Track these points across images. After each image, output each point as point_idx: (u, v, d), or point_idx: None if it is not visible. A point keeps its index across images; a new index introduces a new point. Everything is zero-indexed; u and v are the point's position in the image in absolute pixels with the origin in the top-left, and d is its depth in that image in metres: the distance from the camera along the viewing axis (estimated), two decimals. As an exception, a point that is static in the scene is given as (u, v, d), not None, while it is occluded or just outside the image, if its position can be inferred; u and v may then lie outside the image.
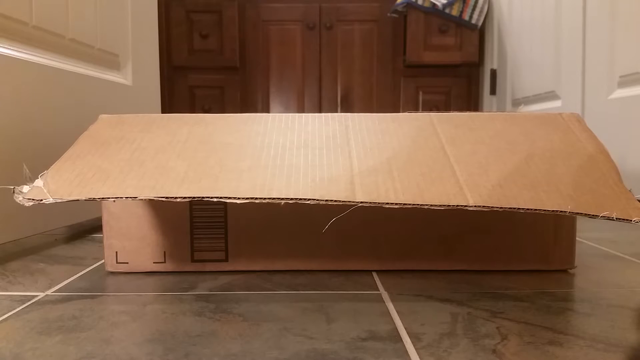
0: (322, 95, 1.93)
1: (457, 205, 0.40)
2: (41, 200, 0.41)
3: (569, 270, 0.53)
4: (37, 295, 0.45)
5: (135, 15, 0.97)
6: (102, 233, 0.52)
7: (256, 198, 0.40)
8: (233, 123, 0.52)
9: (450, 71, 1.90)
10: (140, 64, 0.99)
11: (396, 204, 0.40)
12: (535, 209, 0.40)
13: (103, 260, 0.56)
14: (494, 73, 1.78)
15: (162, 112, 1.63)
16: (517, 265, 0.52)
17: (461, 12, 1.80)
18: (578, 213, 0.40)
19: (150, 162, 0.45)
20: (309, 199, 0.40)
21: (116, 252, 0.52)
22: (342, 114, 0.55)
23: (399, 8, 1.84)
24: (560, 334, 0.36)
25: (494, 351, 0.33)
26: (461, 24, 1.82)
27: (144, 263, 0.52)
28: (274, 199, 0.40)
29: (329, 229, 0.51)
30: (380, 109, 1.92)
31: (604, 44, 1.09)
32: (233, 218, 0.52)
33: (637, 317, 0.39)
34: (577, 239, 0.57)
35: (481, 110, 1.89)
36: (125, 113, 0.75)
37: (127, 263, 0.52)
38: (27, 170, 0.44)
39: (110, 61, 0.89)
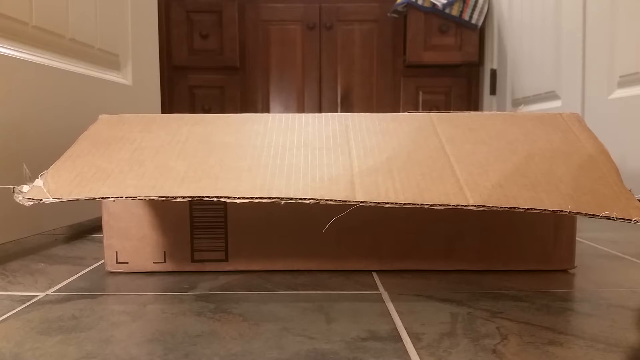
0: (322, 95, 1.93)
1: (457, 205, 0.40)
2: (41, 199, 0.41)
3: (569, 270, 0.53)
4: (37, 295, 0.45)
5: (135, 15, 0.97)
6: (102, 233, 0.52)
7: (256, 198, 0.40)
8: (233, 123, 0.52)
9: (450, 71, 1.90)
10: (140, 64, 0.99)
11: (396, 203, 0.40)
12: (536, 209, 0.40)
13: (103, 260, 0.56)
14: (494, 73, 1.78)
15: (162, 112, 1.63)
16: (517, 265, 0.52)
17: (461, 12, 1.80)
18: (578, 213, 0.40)
19: (150, 161, 0.45)
20: (309, 199, 0.40)
21: (116, 252, 0.52)
22: (342, 114, 0.55)
23: (399, 8, 1.84)
24: (560, 334, 0.36)
25: (494, 351, 0.33)
26: (461, 24, 1.82)
27: (144, 263, 0.52)
28: (274, 198, 0.40)
29: (329, 229, 0.51)
30: (380, 109, 1.92)
31: (604, 44, 1.09)
32: (233, 218, 0.52)
33: (637, 317, 0.39)
34: (577, 239, 0.57)
35: (481, 110, 1.89)
36: (125, 113, 0.75)
37: (127, 263, 0.52)
38: (27, 170, 0.44)
39: (110, 61, 0.89)
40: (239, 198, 0.40)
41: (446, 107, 1.91)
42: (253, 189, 0.41)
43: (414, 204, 0.40)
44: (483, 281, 0.49)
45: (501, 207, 0.40)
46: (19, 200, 0.41)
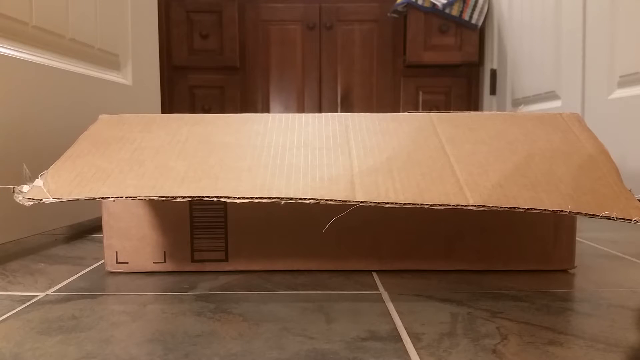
0: (322, 95, 1.93)
1: (457, 205, 0.40)
2: (41, 199, 0.41)
3: (569, 270, 0.53)
4: (37, 295, 0.45)
5: (135, 15, 0.97)
6: (102, 233, 0.52)
7: (256, 198, 0.40)
8: (233, 123, 0.52)
9: (450, 71, 1.90)
10: (140, 64, 0.99)
11: (396, 203, 0.40)
12: (536, 209, 0.40)
13: (103, 260, 0.56)
14: (494, 73, 1.78)
15: (162, 112, 1.63)
16: (517, 265, 0.52)
17: (461, 12, 1.80)
18: (578, 213, 0.40)
19: (150, 161, 0.45)
20: (309, 199, 0.40)
21: (116, 252, 0.52)
22: (342, 114, 0.55)
23: (399, 8, 1.84)
24: (560, 334, 0.36)
25: (494, 351, 0.33)
26: (461, 24, 1.82)
27: (144, 263, 0.52)
28: (274, 198, 0.40)
29: (329, 229, 0.51)
30: (380, 109, 1.92)
31: (604, 44, 1.09)
32: (233, 218, 0.52)
33: (637, 317, 0.39)
34: (577, 239, 0.57)
35: (481, 110, 1.89)
36: (125, 113, 0.75)
37: (127, 263, 0.52)
38: (27, 170, 0.44)
39: (110, 61, 0.89)
40: (239, 198, 0.40)
41: (446, 107, 1.91)
42: (253, 189, 0.41)
43: (414, 204, 0.40)
44: (483, 281, 0.49)
45: (501, 207, 0.40)
46: (19, 200, 0.41)
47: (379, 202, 0.40)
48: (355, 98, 1.94)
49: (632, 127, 0.99)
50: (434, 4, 1.80)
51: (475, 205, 0.40)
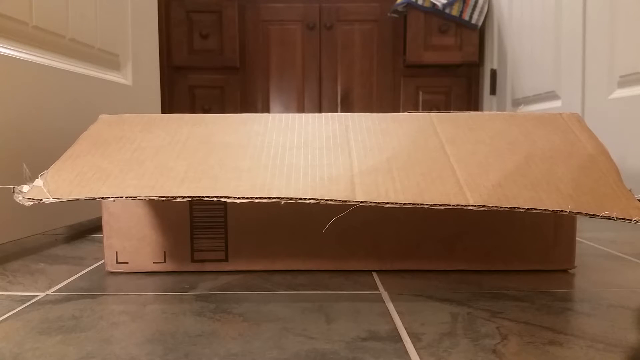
0: (322, 95, 1.93)
1: (457, 205, 0.40)
2: (41, 199, 0.41)
3: (569, 270, 0.53)
4: (37, 295, 0.45)
5: (135, 15, 0.97)
6: (102, 233, 0.52)
7: (256, 198, 0.40)
8: (233, 123, 0.52)
9: (450, 71, 1.90)
10: (140, 64, 0.99)
11: (396, 203, 0.40)
12: (536, 209, 0.40)
13: (103, 260, 0.56)
14: (494, 73, 1.78)
15: (162, 112, 1.63)
16: (517, 265, 0.52)
17: (461, 12, 1.80)
18: (578, 213, 0.40)
19: (150, 161, 0.45)
20: (309, 199, 0.40)
21: (116, 252, 0.52)
22: (342, 113, 0.55)
23: (399, 8, 1.84)
24: (560, 334, 0.36)
25: (494, 351, 0.33)
26: (461, 23, 1.82)
27: (144, 263, 0.52)
28: (274, 198, 0.40)
29: (329, 229, 0.51)
30: (380, 109, 1.92)
31: (604, 44, 1.09)
32: (233, 218, 0.52)
33: (637, 317, 0.39)
34: (577, 239, 0.57)
35: (481, 110, 1.89)
36: (125, 113, 0.75)
37: (127, 263, 0.52)
38: (27, 170, 0.44)
39: (110, 61, 0.89)
40: (239, 198, 0.40)
41: (446, 107, 1.91)
42: (253, 189, 0.41)
43: (414, 204, 0.40)
44: (483, 281, 0.49)
45: (501, 207, 0.40)
46: (19, 200, 0.41)
47: (379, 202, 0.40)
48: (355, 98, 1.94)
49: (632, 127, 0.99)
50: (434, 4, 1.80)
51: (475, 205, 0.40)
